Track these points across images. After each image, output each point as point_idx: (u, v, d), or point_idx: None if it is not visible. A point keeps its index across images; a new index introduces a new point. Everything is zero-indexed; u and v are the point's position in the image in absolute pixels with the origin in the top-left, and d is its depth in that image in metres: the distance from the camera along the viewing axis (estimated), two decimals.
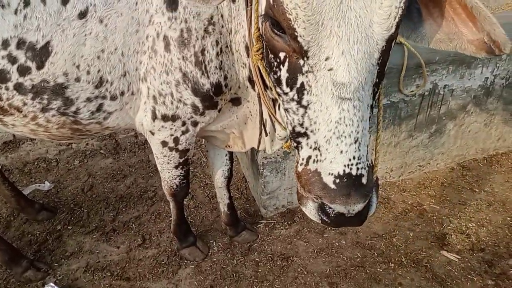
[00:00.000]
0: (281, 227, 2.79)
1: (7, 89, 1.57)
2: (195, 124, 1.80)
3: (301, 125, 1.06)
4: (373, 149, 1.25)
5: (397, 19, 0.94)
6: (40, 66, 1.53)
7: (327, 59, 0.96)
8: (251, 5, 1.23)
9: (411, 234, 2.73)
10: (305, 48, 0.97)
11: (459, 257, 2.56)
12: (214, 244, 2.69)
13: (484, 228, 2.75)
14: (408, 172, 3.14)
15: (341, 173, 0.98)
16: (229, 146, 2.15)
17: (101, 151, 3.48)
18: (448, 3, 1.07)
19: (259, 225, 2.80)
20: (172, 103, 1.69)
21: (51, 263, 2.57)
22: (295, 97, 1.05)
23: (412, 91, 2.65)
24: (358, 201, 0.99)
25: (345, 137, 0.98)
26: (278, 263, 2.55)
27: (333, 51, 0.95)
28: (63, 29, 1.50)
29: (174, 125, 1.77)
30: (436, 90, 2.74)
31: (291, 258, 2.58)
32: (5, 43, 1.50)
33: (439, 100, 2.80)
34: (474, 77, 2.79)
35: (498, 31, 1.02)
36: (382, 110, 1.16)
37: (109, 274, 2.50)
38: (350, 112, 0.97)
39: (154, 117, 1.74)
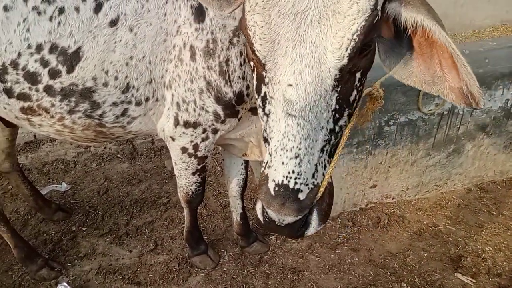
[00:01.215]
0: (293, 241, 2.78)
1: (37, 90, 1.63)
2: (215, 131, 1.83)
3: (265, 131, 1.15)
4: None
5: (348, 50, 0.98)
6: (70, 70, 1.58)
7: (280, 75, 1.03)
8: None
9: (425, 254, 2.68)
10: (262, 61, 1.05)
11: (474, 281, 2.50)
12: (225, 254, 2.69)
13: (501, 253, 2.69)
14: (425, 191, 3.11)
15: (279, 182, 1.05)
16: (246, 155, 2.17)
17: (118, 155, 3.54)
18: (439, 47, 1.08)
19: (270, 237, 2.80)
20: (194, 110, 1.72)
21: (65, 263, 2.61)
22: (261, 104, 1.14)
23: (431, 109, 2.64)
24: (289, 213, 1.05)
25: (287, 150, 1.04)
26: (288, 276, 2.54)
27: (286, 69, 1.02)
28: (94, 35, 1.55)
29: (195, 132, 1.80)
30: (455, 110, 2.72)
31: (302, 272, 2.56)
32: (39, 47, 1.56)
33: (458, 120, 2.78)
34: (494, 98, 2.77)
35: (472, 82, 1.03)
36: (346, 137, 1.18)
37: (120, 277, 2.52)
38: (294, 129, 1.03)
39: (176, 123, 1.78)
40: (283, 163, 1.04)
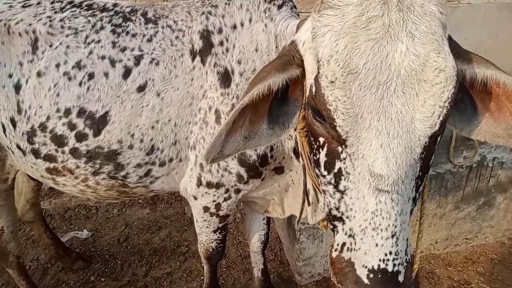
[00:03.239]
0: None
1: (63, 152, 1.65)
2: (237, 191, 1.80)
3: (337, 209, 1.01)
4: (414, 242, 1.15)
5: (441, 118, 0.91)
6: (96, 134, 1.60)
7: (365, 149, 0.93)
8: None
9: None
10: (344, 137, 0.95)
11: None
12: None
13: None
14: (454, 244, 2.96)
15: (376, 268, 0.91)
16: (267, 212, 2.12)
17: (140, 201, 3.54)
18: (506, 97, 1.02)
19: None
20: (218, 171, 1.70)
21: None
22: (332, 181, 1.01)
23: (459, 162, 2.55)
24: None
25: (381, 230, 0.92)
26: None
27: (371, 143, 0.92)
28: (122, 100, 1.58)
29: (218, 192, 1.78)
30: (484, 162, 2.63)
31: None
32: (67, 112, 1.59)
33: (488, 172, 2.68)
34: None
35: None
36: (426, 204, 1.09)
37: None
38: (388, 205, 0.91)
39: (199, 184, 1.76)
40: (377, 244, 0.92)
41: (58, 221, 3.34)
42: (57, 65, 1.63)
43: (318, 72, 0.95)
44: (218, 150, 1.11)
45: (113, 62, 1.61)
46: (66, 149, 1.65)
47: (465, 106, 1.10)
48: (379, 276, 0.91)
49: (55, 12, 1.72)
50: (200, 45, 1.63)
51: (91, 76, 1.59)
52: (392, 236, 0.91)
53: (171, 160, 1.71)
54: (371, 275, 0.92)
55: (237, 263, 2.93)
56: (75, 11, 1.72)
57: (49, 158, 1.68)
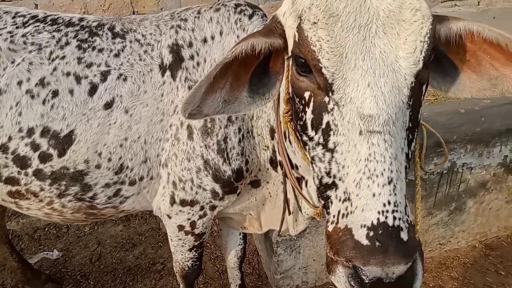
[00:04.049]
0: None
1: (26, 174, 1.57)
2: (213, 208, 1.76)
3: (328, 173, 0.96)
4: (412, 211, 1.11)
5: (423, 53, 0.94)
6: (61, 154, 1.54)
7: (352, 91, 0.92)
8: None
9: None
10: (330, 80, 0.94)
11: None
12: None
13: None
14: (429, 250, 3.01)
15: (375, 222, 0.84)
16: (245, 228, 2.10)
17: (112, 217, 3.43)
18: (482, 51, 1.05)
19: None
20: (191, 188, 1.67)
21: None
22: (321, 139, 0.98)
23: (431, 169, 2.60)
24: (398, 261, 0.81)
25: (377, 176, 0.86)
26: None
27: (358, 83, 0.92)
28: (88, 118, 1.53)
29: (192, 210, 1.74)
30: (454, 168, 2.69)
31: None
32: (30, 131, 1.52)
33: (458, 178, 2.74)
34: (493, 155, 2.75)
35: None
36: (419, 165, 1.08)
37: None
38: (381, 147, 0.88)
39: (173, 202, 1.71)
40: (374, 194, 0.85)
41: (26, 242, 3.18)
42: (19, 83, 1.56)
43: (301, 20, 0.98)
44: (197, 106, 1.10)
45: (78, 79, 1.55)
46: (30, 170, 1.57)
47: (446, 68, 1.13)
48: (380, 232, 0.83)
49: (17, 27, 1.65)
50: (170, 60, 1.60)
51: (55, 93, 1.53)
52: (389, 183, 0.86)
53: (141, 178, 1.66)
54: (371, 233, 0.83)
55: (215, 279, 2.88)
56: (38, 26, 1.66)
57: (11, 181, 1.60)
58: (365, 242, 0.84)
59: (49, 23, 1.68)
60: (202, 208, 1.73)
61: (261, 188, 1.84)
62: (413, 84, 0.94)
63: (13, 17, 1.69)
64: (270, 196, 1.85)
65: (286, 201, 1.62)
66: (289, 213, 1.69)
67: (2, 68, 1.59)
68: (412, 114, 0.97)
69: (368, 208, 0.85)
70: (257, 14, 1.62)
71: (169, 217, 1.77)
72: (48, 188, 1.59)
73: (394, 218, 0.84)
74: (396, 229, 0.84)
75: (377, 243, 0.83)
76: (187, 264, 2.03)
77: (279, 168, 1.65)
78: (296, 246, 2.57)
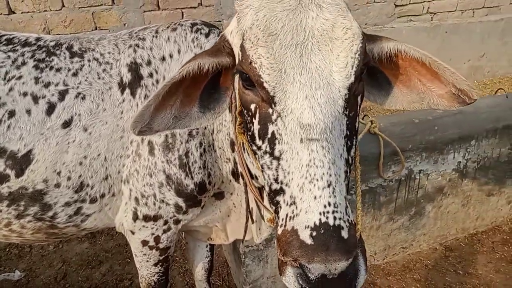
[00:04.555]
0: None
1: None
2: (177, 222, 1.78)
3: (276, 180, 1.03)
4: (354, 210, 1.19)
5: (354, 68, 1.03)
6: (19, 174, 1.53)
7: (292, 103, 1.00)
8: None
9: None
10: (271, 93, 1.02)
11: None
12: None
13: None
14: (392, 254, 3.12)
15: (317, 223, 0.91)
16: (211, 239, 2.12)
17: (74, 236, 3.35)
18: (412, 67, 1.17)
19: None
20: (154, 204, 1.68)
21: None
22: (267, 148, 1.05)
23: (389, 176, 2.72)
24: (339, 258, 0.89)
25: (317, 180, 0.94)
26: None
27: (297, 95, 1.00)
28: (46, 137, 1.52)
29: (156, 225, 1.75)
30: (412, 175, 2.82)
31: None
32: None
33: (416, 184, 2.88)
34: (447, 161, 2.91)
35: (459, 79, 1.11)
36: (360, 170, 1.19)
37: None
38: (319, 153, 0.96)
39: (136, 218, 1.72)
40: (315, 197, 0.92)
41: None
42: None
43: (243, 39, 1.05)
44: (146, 123, 1.14)
45: (36, 98, 1.55)
46: None
47: (381, 83, 1.25)
48: (322, 231, 0.90)
49: None
50: (129, 78, 1.62)
51: (11, 113, 1.52)
52: (329, 186, 0.93)
53: (103, 195, 1.66)
54: (314, 233, 0.90)
55: None
56: None
57: None
58: (309, 241, 0.90)
59: (4, 43, 1.66)
60: (166, 222, 1.75)
61: (225, 200, 1.88)
62: (347, 96, 1.04)
63: None
64: (235, 206, 1.89)
65: (248, 210, 1.67)
66: (252, 222, 1.74)
67: None
68: (349, 123, 1.06)
69: (310, 210, 0.92)
70: (213, 33, 1.68)
71: (133, 232, 1.78)
72: (6, 209, 1.57)
73: (335, 218, 0.91)
74: (336, 228, 0.91)
75: (320, 243, 0.89)
76: (153, 279, 2.03)
77: (241, 179, 1.70)
78: (264, 256, 2.61)
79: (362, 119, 2.51)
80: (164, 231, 1.78)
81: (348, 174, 1.04)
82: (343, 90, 1.02)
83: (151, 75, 1.63)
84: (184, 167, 1.63)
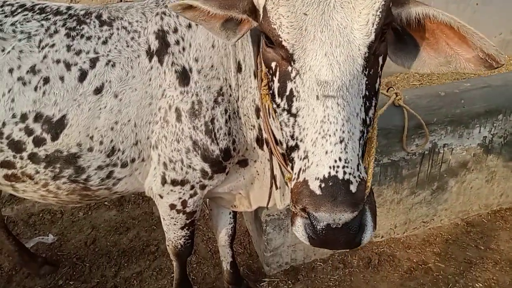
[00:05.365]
0: (285, 285, 2.75)
1: (21, 158, 1.64)
2: (203, 187, 1.84)
3: (292, 136, 1.09)
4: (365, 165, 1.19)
5: (375, 26, 1.03)
6: (54, 138, 1.60)
7: (311, 60, 1.03)
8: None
9: None
10: (290, 51, 1.05)
11: None
12: None
13: None
14: (413, 228, 3.14)
15: (326, 175, 0.95)
16: (235, 206, 2.18)
17: (106, 202, 3.50)
18: (440, 30, 1.17)
19: (262, 283, 2.77)
20: (181, 169, 1.74)
21: None
22: (286, 105, 1.10)
23: (412, 150, 2.70)
24: (345, 209, 0.94)
25: (330, 135, 0.97)
26: None
27: (316, 52, 1.03)
28: (79, 103, 1.59)
29: (183, 189, 1.82)
30: (435, 149, 2.79)
31: None
32: (23, 117, 1.58)
33: (439, 158, 2.85)
34: (472, 136, 2.86)
35: (488, 44, 1.10)
36: (376, 130, 1.20)
37: None
38: (334, 110, 0.99)
39: (164, 182, 1.79)
40: (326, 152, 0.96)
41: (21, 227, 3.25)
42: (11, 70, 1.61)
43: (253, 6, 1.09)
44: (180, 11, 1.24)
45: (68, 66, 1.61)
46: (25, 154, 1.63)
47: (408, 46, 1.24)
48: (330, 184, 0.94)
49: (6, 16, 1.69)
50: (157, 45, 1.66)
51: (46, 80, 1.59)
52: (341, 142, 0.97)
53: (133, 160, 1.73)
54: (323, 185, 0.95)
55: (207, 259, 2.98)
56: (27, 14, 1.70)
57: (6, 164, 1.66)
58: (318, 191, 0.96)
59: (37, 12, 1.72)
60: (192, 187, 1.81)
61: (249, 168, 1.93)
62: (367, 55, 1.05)
63: (1, 6, 1.73)
64: (258, 174, 1.94)
65: (272, 176, 1.71)
66: (276, 188, 1.78)
67: None
68: (369, 83, 1.08)
69: (321, 163, 0.97)
70: None
71: (161, 196, 1.85)
72: (43, 170, 1.66)
73: (344, 172, 0.96)
74: (345, 182, 0.95)
75: (328, 193, 0.94)
76: (179, 243, 2.12)
77: (265, 146, 1.74)
78: (285, 225, 2.68)
79: (387, 91, 2.49)
80: (191, 196, 1.85)
81: (365, 134, 1.07)
82: (363, 48, 1.04)
83: (177, 42, 1.65)
84: (210, 133, 1.67)
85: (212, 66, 1.64)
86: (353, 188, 0.96)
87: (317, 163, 0.98)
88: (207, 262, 2.95)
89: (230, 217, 2.41)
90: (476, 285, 2.74)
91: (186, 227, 2.04)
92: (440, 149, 2.81)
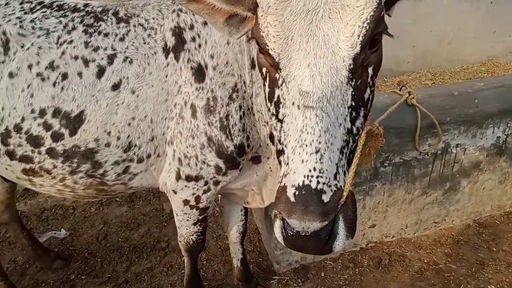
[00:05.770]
0: (294, 284, 2.76)
1: (39, 153, 1.66)
2: (217, 183, 1.86)
3: (280, 141, 1.11)
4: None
5: (361, 38, 1.02)
6: (73, 133, 1.63)
7: (295, 70, 1.04)
8: None
9: None
10: (277, 60, 1.07)
11: None
12: None
13: None
14: (424, 228, 3.12)
15: (301, 183, 0.98)
16: (247, 203, 2.19)
17: (117, 199, 3.53)
18: None
19: (271, 281, 2.77)
20: (196, 164, 1.76)
21: None
22: (274, 111, 1.13)
23: (425, 149, 2.69)
24: (314, 218, 0.96)
25: (306, 145, 0.99)
26: None
27: (301, 63, 1.03)
28: (97, 99, 1.61)
29: (197, 185, 1.83)
30: (448, 149, 2.77)
31: None
32: (42, 112, 1.61)
33: (452, 158, 2.83)
34: (486, 136, 2.83)
35: None
36: (362, 141, 1.15)
37: None
38: (312, 121, 1.00)
39: (178, 178, 1.81)
40: (302, 161, 0.99)
41: (34, 222, 3.30)
42: (30, 66, 1.63)
43: (257, 6, 1.08)
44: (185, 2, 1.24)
45: (86, 62, 1.63)
46: (43, 149, 1.66)
47: None
48: (303, 192, 0.97)
49: (25, 13, 1.72)
50: (173, 42, 1.67)
51: (64, 76, 1.61)
52: (316, 152, 0.99)
53: (149, 156, 1.75)
54: (297, 192, 0.98)
55: (217, 255, 3.00)
56: (45, 11, 1.72)
57: (25, 159, 1.69)
58: (292, 199, 0.99)
59: (55, 9, 1.74)
60: (206, 183, 1.83)
61: (262, 164, 1.93)
62: (352, 66, 1.04)
63: (21, 3, 1.76)
64: (271, 171, 1.95)
65: None
66: None
67: (13, 52, 1.66)
68: (355, 94, 1.07)
69: (298, 171, 1.00)
70: None
71: (175, 192, 1.87)
72: (60, 165, 1.69)
73: (318, 182, 0.98)
74: (318, 191, 0.97)
75: (299, 202, 0.97)
76: (191, 238, 2.13)
77: None
78: None
79: (400, 90, 2.48)
80: (204, 192, 1.86)
81: (350, 144, 1.08)
82: (348, 60, 1.03)
83: (193, 39, 1.67)
84: (224, 129, 1.68)
85: (227, 63, 1.65)
86: (325, 197, 0.98)
87: (294, 170, 1.01)
88: (217, 259, 2.97)
89: (241, 214, 2.42)
90: (488, 287, 2.71)
91: (199, 223, 2.05)
92: (453, 149, 2.79)
